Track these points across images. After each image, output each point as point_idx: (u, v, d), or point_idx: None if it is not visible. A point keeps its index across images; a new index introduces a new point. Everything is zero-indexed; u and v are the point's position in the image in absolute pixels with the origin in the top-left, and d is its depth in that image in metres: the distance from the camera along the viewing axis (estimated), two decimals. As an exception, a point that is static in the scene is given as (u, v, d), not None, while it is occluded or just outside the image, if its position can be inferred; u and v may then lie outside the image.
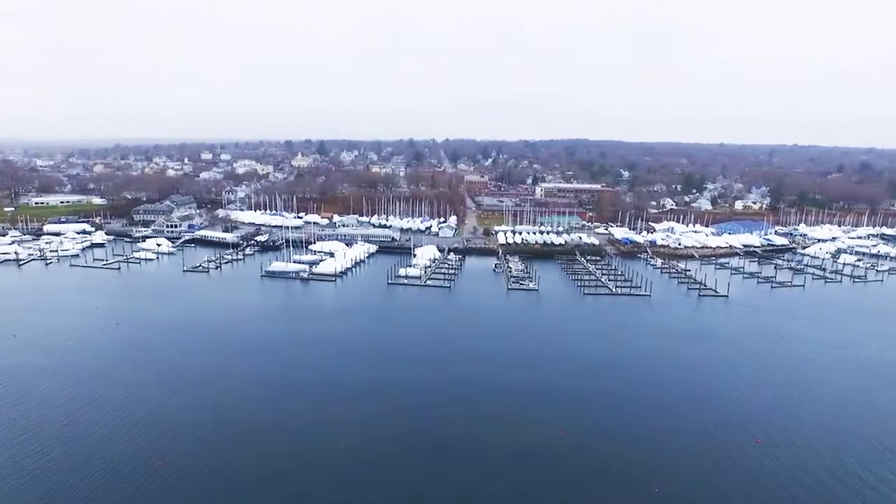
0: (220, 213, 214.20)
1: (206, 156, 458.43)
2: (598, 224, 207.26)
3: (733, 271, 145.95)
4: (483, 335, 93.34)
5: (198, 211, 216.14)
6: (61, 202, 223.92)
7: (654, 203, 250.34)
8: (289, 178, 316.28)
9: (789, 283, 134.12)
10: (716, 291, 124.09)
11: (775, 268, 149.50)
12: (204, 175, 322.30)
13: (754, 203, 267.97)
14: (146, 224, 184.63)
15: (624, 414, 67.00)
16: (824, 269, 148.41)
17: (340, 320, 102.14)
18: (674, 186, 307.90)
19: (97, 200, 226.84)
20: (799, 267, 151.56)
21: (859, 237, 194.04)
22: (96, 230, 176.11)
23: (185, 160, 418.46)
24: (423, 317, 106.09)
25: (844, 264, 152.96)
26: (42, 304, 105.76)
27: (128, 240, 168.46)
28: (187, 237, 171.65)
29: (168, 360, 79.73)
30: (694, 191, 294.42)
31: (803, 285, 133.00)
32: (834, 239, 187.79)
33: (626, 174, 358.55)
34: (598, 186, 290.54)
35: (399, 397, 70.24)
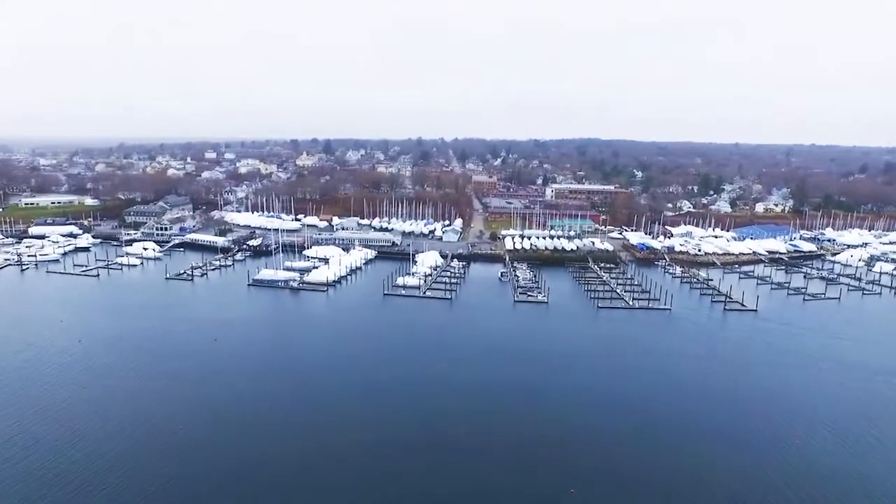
0: (216, 214, 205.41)
1: (210, 155, 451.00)
2: (611, 228, 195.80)
3: (759, 281, 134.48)
4: (484, 359, 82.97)
5: (193, 213, 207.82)
6: (52, 203, 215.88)
7: (670, 205, 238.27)
8: (291, 178, 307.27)
9: (822, 296, 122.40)
10: (743, 305, 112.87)
11: (805, 277, 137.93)
12: (205, 174, 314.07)
13: (776, 205, 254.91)
14: (137, 226, 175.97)
15: (647, 464, 56.33)
16: (860, 279, 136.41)
17: (327, 338, 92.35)
18: (690, 188, 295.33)
19: (89, 201, 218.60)
20: (831, 276, 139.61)
21: (893, 243, 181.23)
22: (84, 232, 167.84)
23: (189, 159, 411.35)
24: (419, 335, 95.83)
25: (881, 273, 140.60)
26: (2, 317, 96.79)
27: (115, 243, 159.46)
28: (177, 241, 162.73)
29: (125, 388, 70.25)
30: (711, 192, 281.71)
31: (838, 297, 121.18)
32: (865, 245, 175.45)
33: (639, 175, 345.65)
34: (612, 188, 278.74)
35: (385, 428, 60.82)
